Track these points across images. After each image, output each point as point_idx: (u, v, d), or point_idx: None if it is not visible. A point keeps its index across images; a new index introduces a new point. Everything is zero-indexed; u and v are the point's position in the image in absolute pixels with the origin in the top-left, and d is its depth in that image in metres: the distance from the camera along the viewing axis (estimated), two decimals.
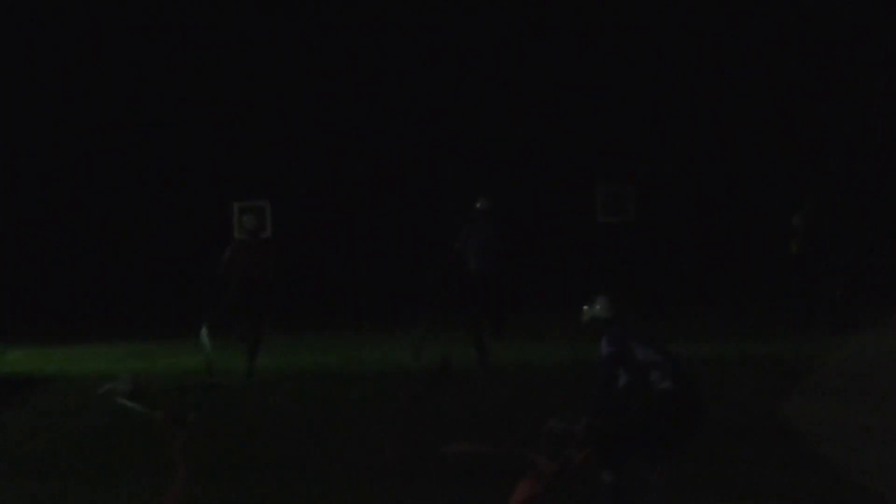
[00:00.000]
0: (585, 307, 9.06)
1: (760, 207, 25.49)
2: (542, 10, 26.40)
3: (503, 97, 26.42)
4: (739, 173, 26.09)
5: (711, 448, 10.49)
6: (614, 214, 25.43)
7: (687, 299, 23.67)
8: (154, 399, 13.96)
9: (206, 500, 9.91)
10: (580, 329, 9.21)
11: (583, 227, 25.63)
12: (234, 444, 12.08)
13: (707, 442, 9.74)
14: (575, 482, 8.98)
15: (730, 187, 26.08)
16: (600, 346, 8.79)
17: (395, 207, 26.48)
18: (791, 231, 19.28)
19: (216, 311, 17.16)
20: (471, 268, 16.77)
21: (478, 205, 16.98)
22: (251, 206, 24.94)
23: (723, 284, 24.65)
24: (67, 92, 26.44)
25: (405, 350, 17.34)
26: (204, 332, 16.93)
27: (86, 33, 26.36)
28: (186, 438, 9.62)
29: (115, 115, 26.63)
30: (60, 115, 26.51)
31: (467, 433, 11.22)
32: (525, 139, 26.27)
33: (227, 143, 26.61)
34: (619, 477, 8.68)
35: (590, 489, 8.98)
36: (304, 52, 26.63)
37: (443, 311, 17.54)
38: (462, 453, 9.90)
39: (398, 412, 13.08)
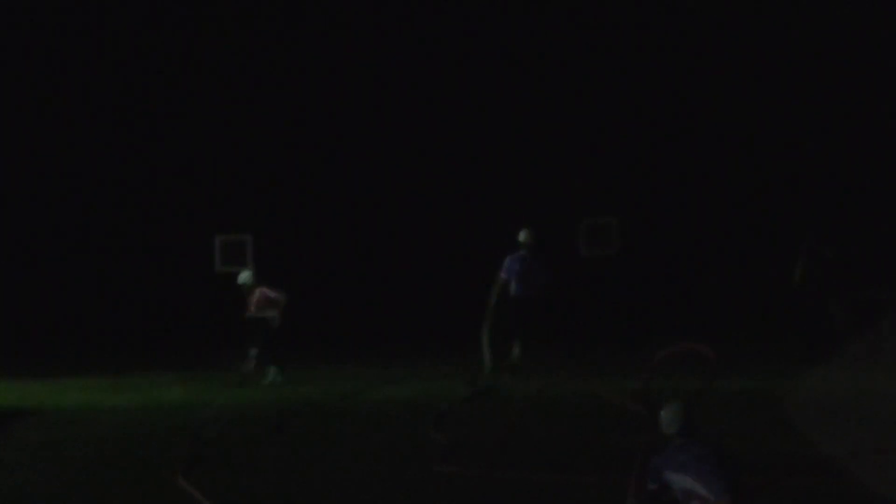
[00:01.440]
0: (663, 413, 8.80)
1: (749, 239, 25.49)
2: (528, 44, 26.39)
3: (488, 130, 26.36)
4: (727, 205, 26.01)
5: None
6: (598, 248, 25.31)
7: (672, 332, 23.57)
8: None
9: None
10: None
11: (566, 260, 25.53)
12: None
13: None
14: None
15: (717, 220, 25.99)
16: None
17: (384, 239, 26.42)
18: (797, 261, 19.29)
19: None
20: (512, 295, 18.62)
21: (521, 237, 18.72)
22: (234, 240, 24.80)
23: (710, 317, 24.57)
24: (54, 124, 26.32)
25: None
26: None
27: (67, 69, 26.28)
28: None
29: (95, 151, 26.46)
30: (40, 151, 26.36)
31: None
32: (510, 173, 26.20)
33: (210, 175, 26.47)
34: None
35: None
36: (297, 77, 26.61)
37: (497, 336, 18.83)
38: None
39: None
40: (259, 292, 19.85)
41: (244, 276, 20.25)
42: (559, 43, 26.35)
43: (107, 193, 26.55)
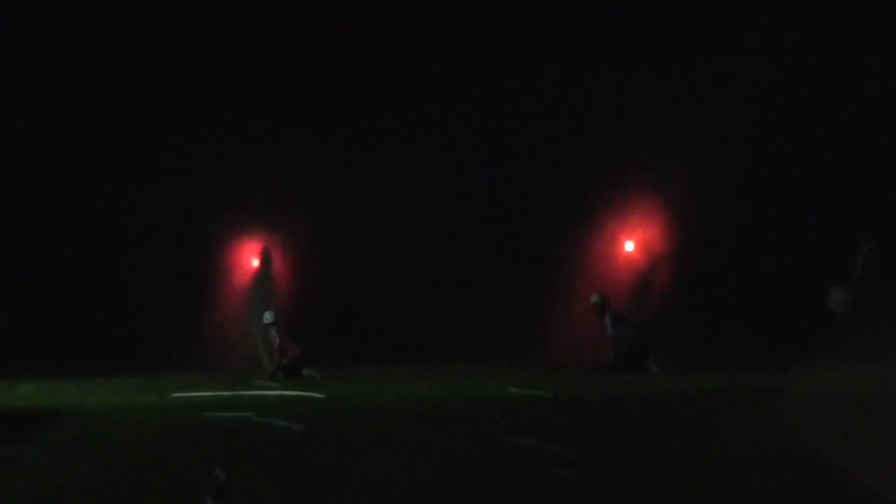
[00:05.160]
0: None
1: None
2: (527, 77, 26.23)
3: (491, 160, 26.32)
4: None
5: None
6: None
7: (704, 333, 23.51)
8: None
9: None
10: None
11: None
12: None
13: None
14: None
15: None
16: None
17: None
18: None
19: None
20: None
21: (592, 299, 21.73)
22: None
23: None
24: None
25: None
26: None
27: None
28: None
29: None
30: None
31: None
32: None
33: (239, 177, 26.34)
34: None
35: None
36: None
37: None
38: None
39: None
40: (275, 331, 22.73)
41: (268, 317, 22.91)
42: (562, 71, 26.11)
43: (139, 191, 26.44)
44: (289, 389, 19.49)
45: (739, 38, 25.45)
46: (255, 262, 25.79)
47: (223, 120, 26.09)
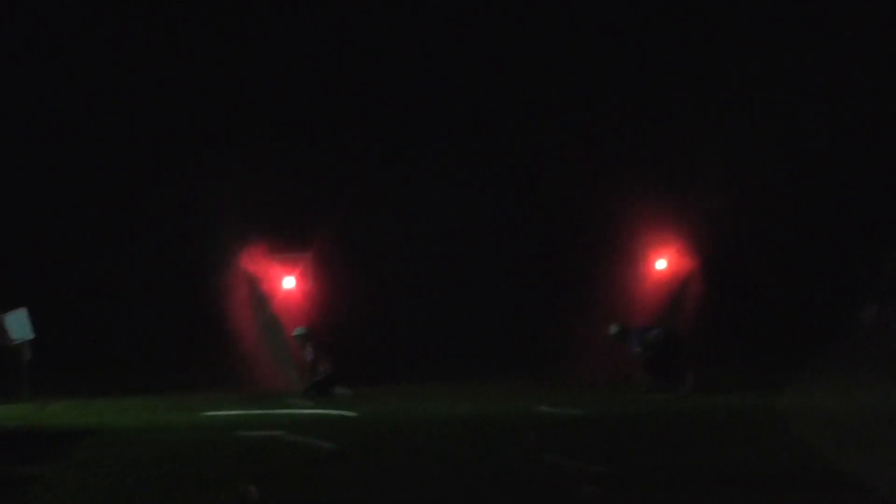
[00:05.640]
0: None
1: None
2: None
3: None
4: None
5: None
6: None
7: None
8: None
9: None
10: None
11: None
12: None
13: None
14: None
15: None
16: None
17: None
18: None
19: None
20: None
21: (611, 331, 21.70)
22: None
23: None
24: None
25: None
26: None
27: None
28: None
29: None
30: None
31: None
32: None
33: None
34: None
35: None
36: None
37: None
38: None
39: None
40: (309, 348, 22.58)
41: (299, 331, 22.85)
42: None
43: (165, 216, 26.49)
44: (321, 407, 19.50)
45: (763, 51, 25.42)
46: (291, 281, 25.46)
47: (241, 142, 26.11)
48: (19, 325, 22.74)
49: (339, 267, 25.78)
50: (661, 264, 25.10)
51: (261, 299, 25.16)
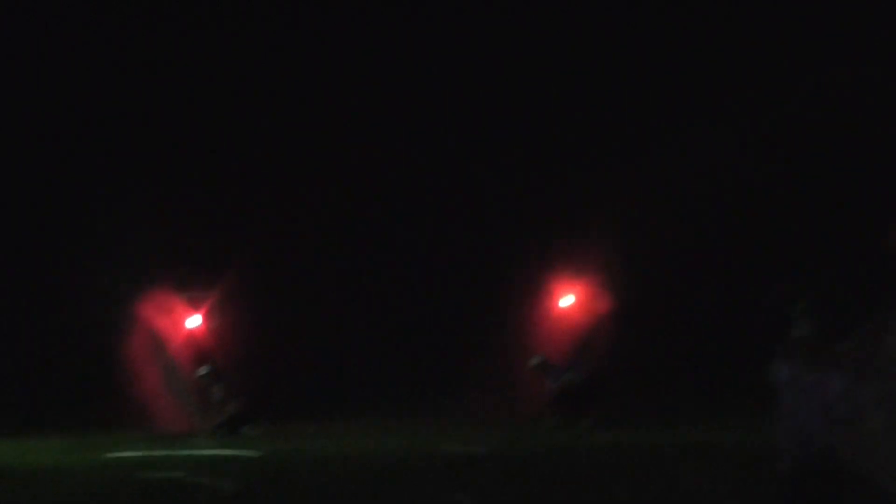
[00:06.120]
0: None
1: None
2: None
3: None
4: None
5: None
6: None
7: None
8: None
9: None
10: None
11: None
12: None
13: None
14: None
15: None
16: None
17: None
18: None
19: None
20: None
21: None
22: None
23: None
24: None
25: None
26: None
27: None
28: None
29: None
30: None
31: None
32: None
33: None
34: None
35: None
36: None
37: None
38: None
39: None
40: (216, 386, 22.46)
41: (203, 370, 22.76)
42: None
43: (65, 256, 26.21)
44: (225, 448, 19.38)
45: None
46: (196, 320, 25.22)
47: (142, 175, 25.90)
48: None
49: (245, 304, 25.66)
50: (567, 301, 25.22)
51: (158, 340, 24.95)
